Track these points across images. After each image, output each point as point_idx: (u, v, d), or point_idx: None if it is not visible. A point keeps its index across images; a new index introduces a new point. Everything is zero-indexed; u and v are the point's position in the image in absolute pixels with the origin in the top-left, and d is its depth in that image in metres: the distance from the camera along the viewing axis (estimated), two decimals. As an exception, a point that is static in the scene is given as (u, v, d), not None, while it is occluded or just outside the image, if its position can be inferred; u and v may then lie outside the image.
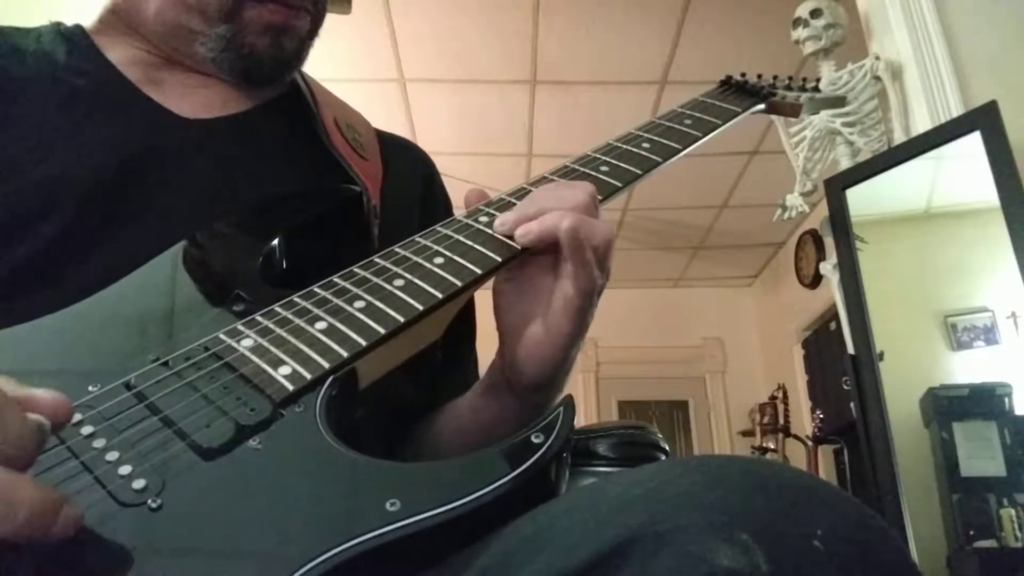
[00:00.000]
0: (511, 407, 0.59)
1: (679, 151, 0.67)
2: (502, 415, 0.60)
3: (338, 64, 3.09)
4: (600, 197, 0.59)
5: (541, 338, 0.54)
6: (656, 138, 0.68)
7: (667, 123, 0.71)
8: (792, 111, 0.85)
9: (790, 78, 0.88)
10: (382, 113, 3.34)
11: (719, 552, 0.31)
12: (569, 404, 0.45)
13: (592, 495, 0.37)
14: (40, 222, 0.58)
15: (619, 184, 0.62)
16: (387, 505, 0.37)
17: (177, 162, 0.65)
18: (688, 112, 0.73)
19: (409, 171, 0.81)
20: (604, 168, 0.63)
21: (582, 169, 0.63)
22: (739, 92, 0.80)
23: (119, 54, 0.69)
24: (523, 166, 3.93)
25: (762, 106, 0.80)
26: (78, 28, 0.72)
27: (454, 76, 3.29)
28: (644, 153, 0.66)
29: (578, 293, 0.52)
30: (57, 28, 0.71)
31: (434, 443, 0.68)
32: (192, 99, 0.69)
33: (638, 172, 0.63)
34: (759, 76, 0.84)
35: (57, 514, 0.32)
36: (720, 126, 0.72)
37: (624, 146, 0.67)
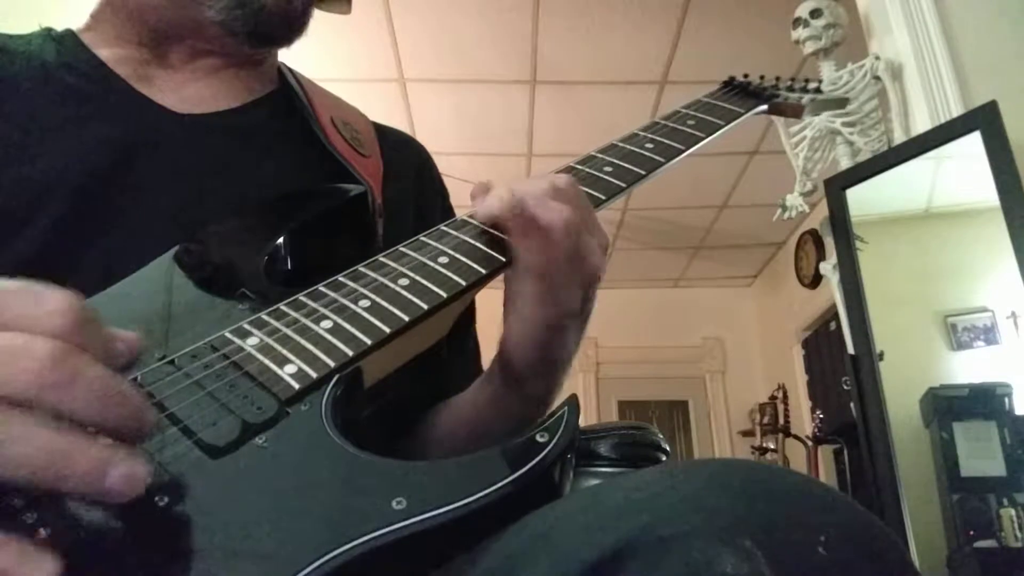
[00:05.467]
0: (506, 399, 0.60)
1: (682, 152, 0.67)
2: (497, 407, 0.61)
3: (338, 64, 3.10)
4: (604, 197, 0.60)
5: (520, 325, 0.56)
6: (659, 139, 0.68)
7: (670, 124, 0.71)
8: (794, 112, 0.85)
9: (792, 79, 0.88)
10: (382, 113, 3.29)
11: (722, 558, 0.31)
12: (573, 404, 0.45)
13: (595, 498, 0.37)
14: (34, 220, 0.58)
15: (623, 184, 0.62)
16: (393, 504, 0.37)
17: (171, 158, 0.65)
18: (691, 113, 0.73)
19: (407, 166, 0.81)
20: (608, 168, 0.63)
21: (586, 169, 0.63)
22: (741, 93, 0.80)
23: (110, 52, 0.69)
24: (523, 166, 3.93)
25: (764, 107, 0.80)
26: (68, 31, 0.72)
27: (454, 76, 3.29)
28: (647, 154, 0.66)
29: (533, 272, 0.53)
30: (47, 32, 0.71)
31: (433, 435, 0.68)
32: (184, 94, 0.69)
33: (642, 173, 0.63)
34: (761, 77, 0.84)
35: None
36: (723, 127, 0.72)
37: (627, 146, 0.67)
